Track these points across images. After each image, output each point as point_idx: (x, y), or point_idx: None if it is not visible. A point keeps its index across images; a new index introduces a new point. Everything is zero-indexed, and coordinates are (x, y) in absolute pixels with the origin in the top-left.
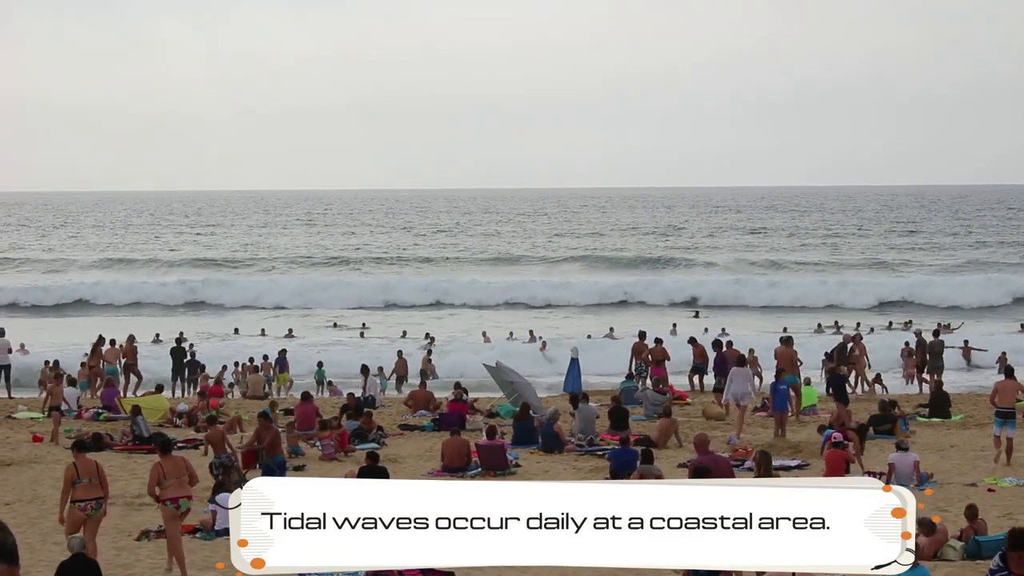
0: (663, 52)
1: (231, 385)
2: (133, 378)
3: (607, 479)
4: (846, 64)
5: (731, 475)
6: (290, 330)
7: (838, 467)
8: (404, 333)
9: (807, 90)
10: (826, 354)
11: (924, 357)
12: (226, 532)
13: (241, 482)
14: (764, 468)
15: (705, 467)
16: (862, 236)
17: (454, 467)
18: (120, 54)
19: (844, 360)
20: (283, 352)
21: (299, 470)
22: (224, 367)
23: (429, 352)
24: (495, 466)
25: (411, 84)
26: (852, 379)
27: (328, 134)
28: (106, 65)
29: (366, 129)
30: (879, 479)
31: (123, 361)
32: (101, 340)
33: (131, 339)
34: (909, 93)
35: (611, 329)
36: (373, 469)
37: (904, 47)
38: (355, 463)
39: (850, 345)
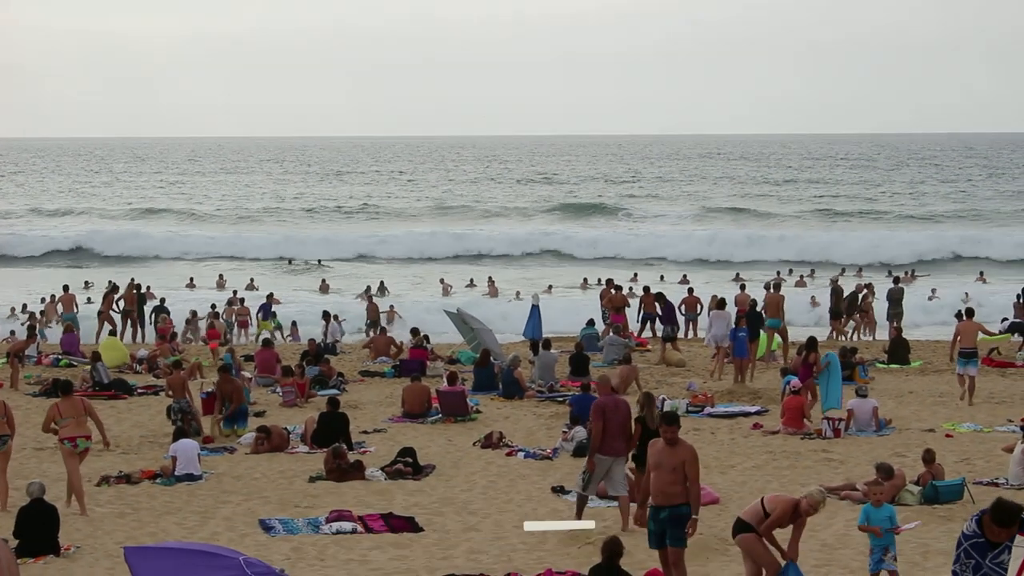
0: None
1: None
2: (131, 325)
3: (568, 425)
4: None
5: (628, 418)
6: (251, 280)
7: (796, 414)
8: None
9: None
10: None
11: (839, 306)
12: (188, 478)
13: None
14: (648, 409)
15: (601, 407)
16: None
17: (414, 413)
18: None
19: (857, 309)
20: (270, 297)
21: (259, 416)
22: (215, 311)
23: (368, 292)
24: (456, 412)
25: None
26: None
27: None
28: None
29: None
30: (839, 424)
31: (122, 306)
32: (115, 288)
33: (131, 285)
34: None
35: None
36: (334, 416)
37: None
38: (315, 409)
39: (862, 294)
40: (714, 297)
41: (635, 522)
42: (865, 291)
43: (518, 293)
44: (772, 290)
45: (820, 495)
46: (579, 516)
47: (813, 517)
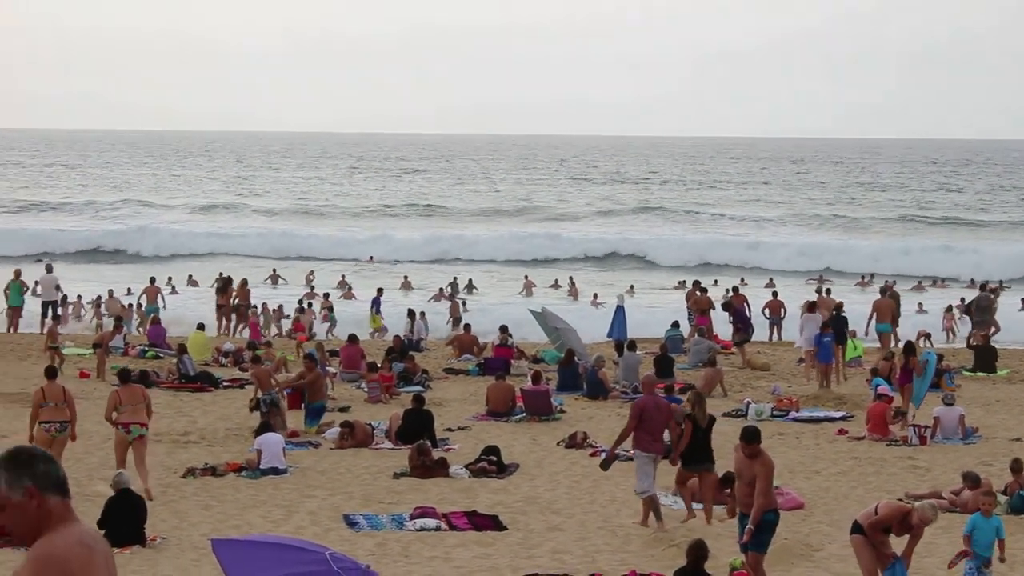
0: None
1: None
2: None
3: None
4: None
5: (670, 417)
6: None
7: (881, 420)
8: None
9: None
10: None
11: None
12: (273, 471)
13: (284, 424)
14: (699, 407)
15: (640, 407)
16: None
17: (498, 412)
18: None
19: (988, 314)
20: (380, 292)
21: (344, 411)
22: (303, 305)
23: (451, 295)
24: (539, 411)
25: None
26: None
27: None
28: None
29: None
30: (925, 431)
31: (235, 302)
32: (229, 280)
33: (244, 283)
34: None
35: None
36: (418, 412)
37: None
38: (400, 406)
39: (993, 297)
40: (741, 297)
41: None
42: (993, 296)
43: (595, 295)
44: (883, 295)
45: (932, 511)
46: (658, 517)
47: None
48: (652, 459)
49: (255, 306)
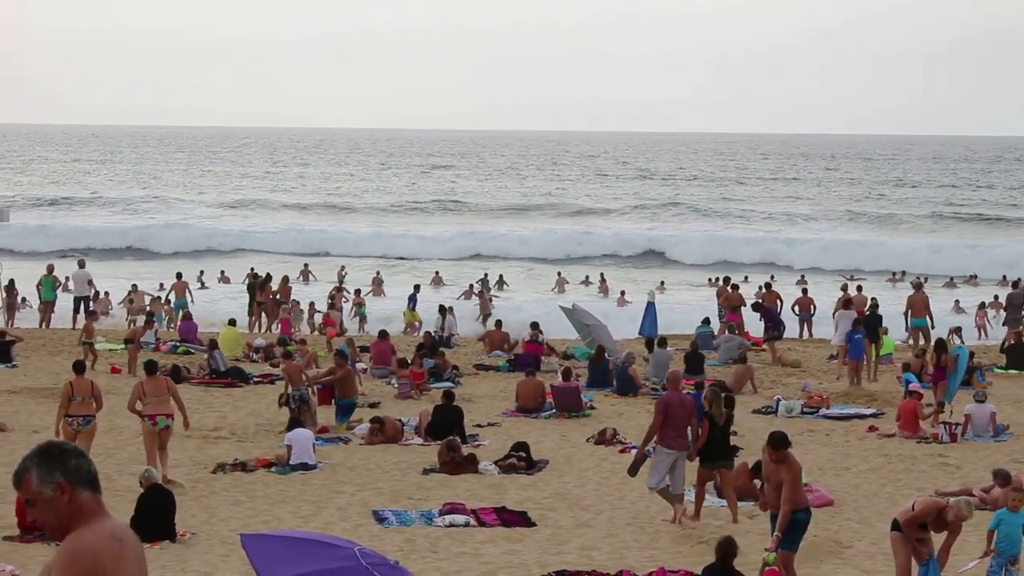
0: None
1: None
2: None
3: None
4: None
5: (692, 414)
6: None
7: (912, 417)
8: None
9: None
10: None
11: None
12: (302, 467)
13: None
14: (715, 405)
15: (665, 402)
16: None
17: (528, 408)
18: None
19: (1020, 312)
20: (417, 288)
21: (374, 407)
22: (332, 301)
23: (481, 292)
24: (570, 408)
25: None
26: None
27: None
28: None
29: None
30: (956, 429)
31: (278, 298)
32: (268, 277)
33: (285, 280)
34: None
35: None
36: (448, 408)
37: None
38: (430, 402)
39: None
40: (841, 297)
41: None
42: None
43: (623, 293)
44: (916, 291)
45: (968, 507)
46: (675, 503)
47: None
48: (674, 455)
49: (296, 302)
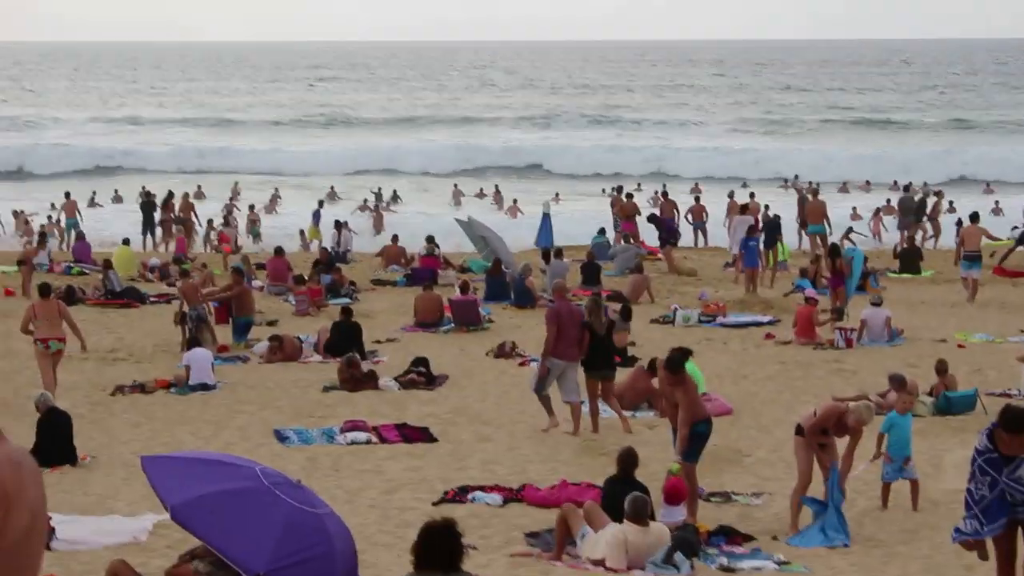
0: None
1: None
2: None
3: None
4: None
5: (582, 324)
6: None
7: (808, 324)
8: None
9: None
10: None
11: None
12: (202, 387)
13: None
14: (595, 315)
15: (556, 313)
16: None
17: (427, 322)
18: None
19: (922, 215)
20: (321, 204)
21: (272, 324)
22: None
23: (376, 207)
24: (468, 321)
25: None
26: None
27: None
28: None
29: None
30: (851, 334)
31: (179, 215)
32: (171, 194)
33: (186, 196)
34: None
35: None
36: (347, 325)
37: None
38: (328, 319)
39: (932, 200)
40: (734, 203)
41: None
42: (936, 198)
43: (515, 201)
44: (813, 197)
45: (868, 412)
46: (550, 414)
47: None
48: (562, 365)
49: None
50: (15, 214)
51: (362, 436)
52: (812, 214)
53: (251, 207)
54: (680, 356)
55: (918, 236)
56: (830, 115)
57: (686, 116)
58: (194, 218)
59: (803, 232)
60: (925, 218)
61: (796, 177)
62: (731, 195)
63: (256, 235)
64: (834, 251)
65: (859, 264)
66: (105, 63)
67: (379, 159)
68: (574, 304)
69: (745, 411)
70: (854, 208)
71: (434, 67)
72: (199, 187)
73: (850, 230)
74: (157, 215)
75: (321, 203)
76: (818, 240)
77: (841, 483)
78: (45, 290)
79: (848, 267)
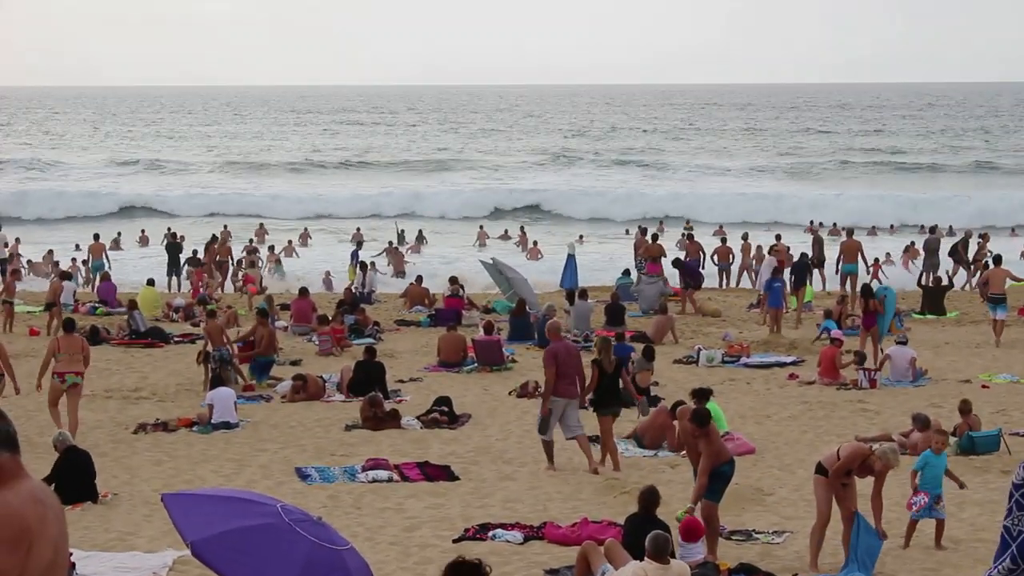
0: None
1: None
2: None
3: None
4: None
5: (579, 362)
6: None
7: (832, 364)
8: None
9: None
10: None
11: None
12: (224, 426)
13: (237, 377)
14: (605, 353)
15: (553, 353)
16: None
17: (450, 362)
18: None
19: (937, 257)
20: (360, 245)
21: (295, 364)
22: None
23: (396, 248)
24: (491, 362)
25: None
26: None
27: None
28: None
29: None
30: (875, 375)
31: (217, 258)
32: (214, 238)
33: (224, 239)
34: None
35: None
36: (370, 364)
37: None
38: (351, 358)
39: (976, 242)
40: (747, 245)
41: None
42: (980, 240)
43: (535, 243)
44: (848, 236)
45: (894, 455)
46: (550, 460)
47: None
48: (563, 403)
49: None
50: (46, 255)
51: (384, 474)
52: (847, 253)
53: (271, 248)
54: (707, 413)
55: (960, 278)
56: (853, 157)
57: (709, 161)
58: (231, 261)
59: (837, 272)
60: (969, 258)
61: (820, 224)
62: (745, 237)
63: (280, 274)
64: (866, 291)
65: (892, 302)
66: (152, 108)
67: (400, 201)
68: (570, 343)
69: (768, 451)
70: (888, 254)
71: (458, 111)
72: (225, 226)
73: (877, 260)
74: (182, 256)
75: (360, 244)
76: (850, 280)
77: (878, 524)
78: (70, 325)
79: (881, 306)
